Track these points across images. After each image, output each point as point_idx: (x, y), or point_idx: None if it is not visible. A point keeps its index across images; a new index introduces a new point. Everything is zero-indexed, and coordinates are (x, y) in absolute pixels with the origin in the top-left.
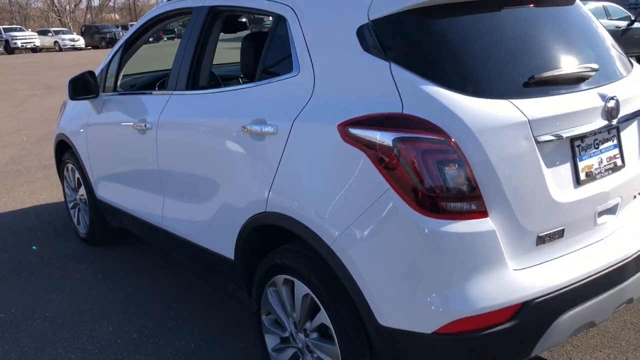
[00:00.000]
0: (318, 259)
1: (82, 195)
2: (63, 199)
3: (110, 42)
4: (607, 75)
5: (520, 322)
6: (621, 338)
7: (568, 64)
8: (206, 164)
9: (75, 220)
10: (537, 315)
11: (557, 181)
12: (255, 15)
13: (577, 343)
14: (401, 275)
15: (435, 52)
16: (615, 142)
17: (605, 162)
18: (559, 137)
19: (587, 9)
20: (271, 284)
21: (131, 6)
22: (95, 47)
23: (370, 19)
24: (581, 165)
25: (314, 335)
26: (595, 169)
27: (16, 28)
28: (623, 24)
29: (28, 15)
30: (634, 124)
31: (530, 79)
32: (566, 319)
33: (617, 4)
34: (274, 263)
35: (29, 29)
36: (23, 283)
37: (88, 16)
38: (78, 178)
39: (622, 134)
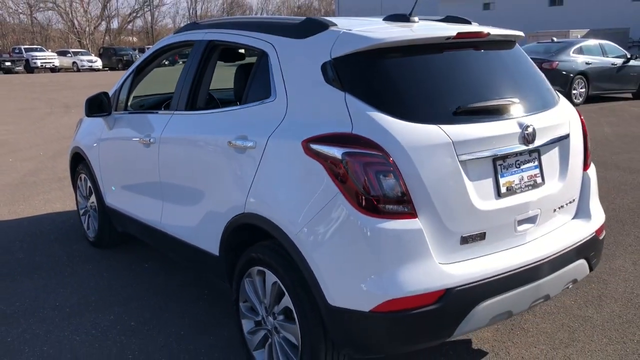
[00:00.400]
0: (284, 251)
1: (92, 202)
2: (75, 208)
3: (127, 64)
4: (528, 108)
5: (443, 305)
6: (556, 337)
7: (493, 97)
8: (198, 173)
9: (85, 225)
10: (458, 301)
11: (480, 193)
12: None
13: (516, 340)
14: (345, 263)
15: (381, 85)
16: (536, 163)
17: (525, 180)
18: (481, 157)
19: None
20: (247, 275)
21: (149, 30)
22: (112, 68)
23: (332, 57)
24: (502, 180)
25: (281, 317)
26: (516, 185)
27: (37, 48)
28: (619, 61)
29: (49, 36)
30: (555, 149)
31: (457, 109)
32: (484, 306)
33: (619, 39)
34: (250, 257)
35: (49, 50)
36: (36, 278)
37: (106, 38)
38: (90, 187)
39: (543, 157)
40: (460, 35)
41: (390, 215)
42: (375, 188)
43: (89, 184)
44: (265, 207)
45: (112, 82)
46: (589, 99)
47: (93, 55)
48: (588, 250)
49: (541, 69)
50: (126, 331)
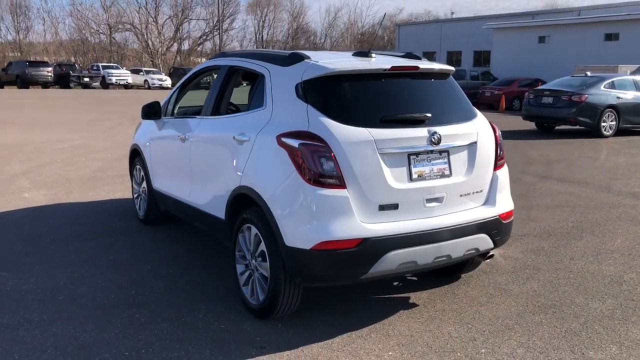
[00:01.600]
0: (262, 211)
1: (143, 187)
2: (130, 196)
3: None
4: (439, 120)
5: (361, 249)
6: (475, 299)
7: (411, 111)
8: (214, 159)
9: (137, 206)
10: (372, 247)
11: (395, 176)
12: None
13: (444, 299)
14: (296, 216)
15: (330, 100)
16: (446, 160)
17: (435, 171)
18: (397, 152)
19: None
20: (241, 231)
21: (217, 51)
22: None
23: (302, 80)
24: (414, 169)
25: (259, 259)
26: (426, 174)
27: (112, 66)
28: None
29: (124, 55)
30: (464, 152)
31: (382, 118)
32: (393, 254)
33: None
34: (242, 218)
35: (124, 67)
36: (94, 244)
37: (177, 58)
38: (142, 176)
39: (452, 157)
40: (394, 68)
41: (327, 185)
42: (318, 167)
43: (142, 173)
44: (252, 180)
45: None
46: (620, 132)
47: (163, 74)
48: (489, 228)
49: (570, 101)
50: (158, 276)
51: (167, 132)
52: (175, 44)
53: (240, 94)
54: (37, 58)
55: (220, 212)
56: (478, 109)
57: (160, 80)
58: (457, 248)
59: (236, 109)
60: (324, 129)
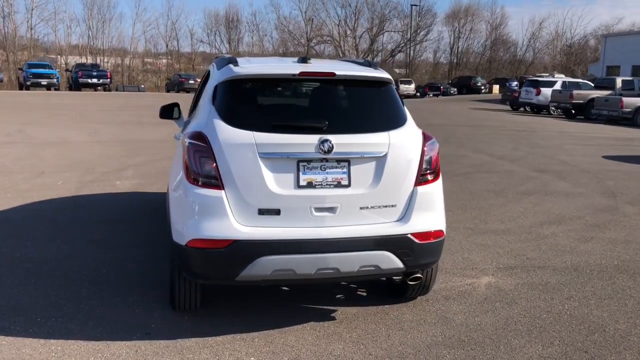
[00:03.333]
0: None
1: None
2: None
3: None
4: (339, 129)
5: (231, 250)
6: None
7: (307, 118)
8: (175, 158)
9: None
10: (244, 250)
11: (279, 181)
12: None
13: (363, 312)
14: (179, 213)
15: (229, 103)
16: (345, 170)
17: (329, 180)
18: (282, 157)
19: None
20: None
21: (408, 63)
22: None
23: (217, 82)
24: (303, 177)
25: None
26: (317, 182)
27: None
28: None
29: None
30: (370, 164)
31: (274, 123)
32: (267, 259)
33: None
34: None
35: None
36: (155, 223)
37: None
38: None
39: (353, 167)
40: (303, 74)
41: (204, 185)
42: (198, 167)
43: None
44: (170, 178)
45: None
46: None
47: None
48: (394, 246)
49: None
50: (129, 261)
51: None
52: (369, 56)
53: None
54: None
55: None
56: None
57: None
58: (347, 262)
59: None
60: (211, 130)
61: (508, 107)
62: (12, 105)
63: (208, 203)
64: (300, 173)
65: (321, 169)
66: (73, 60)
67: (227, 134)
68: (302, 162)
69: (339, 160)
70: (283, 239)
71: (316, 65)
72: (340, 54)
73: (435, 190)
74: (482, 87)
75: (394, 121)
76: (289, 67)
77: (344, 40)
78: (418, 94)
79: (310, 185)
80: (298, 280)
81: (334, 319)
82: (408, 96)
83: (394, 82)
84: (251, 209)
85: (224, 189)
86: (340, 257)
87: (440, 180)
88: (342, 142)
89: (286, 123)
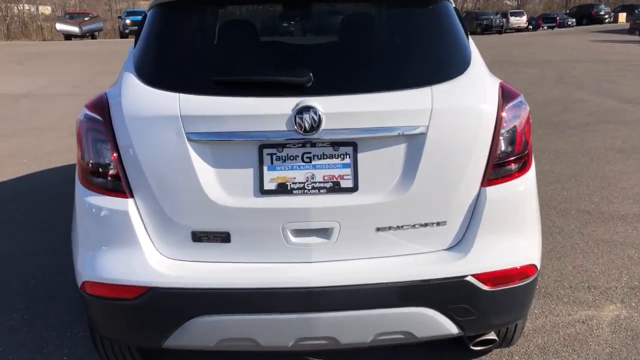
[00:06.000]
0: None
1: None
2: None
3: (485, 29)
4: (330, 85)
5: (144, 304)
6: None
7: (270, 67)
8: None
9: None
10: (167, 305)
11: (226, 183)
12: None
13: None
14: (74, 236)
15: (144, 49)
16: (348, 160)
17: (318, 179)
18: (231, 140)
19: None
20: None
21: None
22: (472, 33)
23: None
24: (270, 174)
25: None
26: (297, 183)
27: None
28: None
29: None
30: (395, 149)
31: (216, 77)
32: (208, 322)
33: None
34: None
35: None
36: None
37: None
38: None
39: (362, 156)
40: None
41: (100, 189)
42: (91, 156)
43: None
44: None
45: None
46: None
47: None
48: (442, 297)
49: None
50: None
51: None
52: None
53: None
54: None
55: None
56: None
57: None
58: (351, 328)
59: None
60: (116, 93)
61: (638, 38)
62: (96, 53)
63: (107, 220)
64: (265, 168)
65: (303, 160)
66: None
67: (137, 99)
68: (267, 148)
69: (335, 144)
70: (239, 286)
71: None
72: None
73: (521, 192)
74: (606, 17)
75: (444, 67)
76: None
77: None
78: (531, 27)
79: (282, 189)
80: (261, 351)
81: None
82: (519, 29)
83: None
84: (181, 231)
85: (132, 197)
86: (340, 320)
87: (532, 172)
88: (338, 110)
89: (236, 77)
